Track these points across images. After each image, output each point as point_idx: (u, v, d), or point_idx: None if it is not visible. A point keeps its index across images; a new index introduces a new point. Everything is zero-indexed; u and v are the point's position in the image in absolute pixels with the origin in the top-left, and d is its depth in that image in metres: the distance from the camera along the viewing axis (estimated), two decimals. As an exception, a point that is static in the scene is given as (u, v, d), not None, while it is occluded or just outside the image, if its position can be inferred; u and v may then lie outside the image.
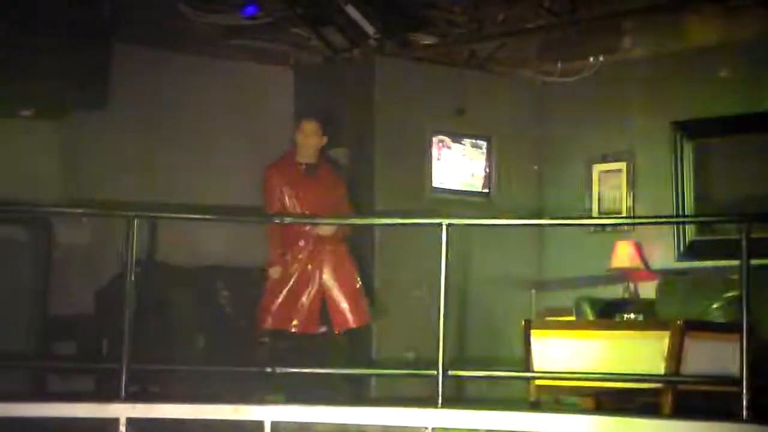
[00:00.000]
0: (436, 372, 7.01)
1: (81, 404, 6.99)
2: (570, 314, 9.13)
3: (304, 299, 8.39)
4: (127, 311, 7.14)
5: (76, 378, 9.09)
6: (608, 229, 10.37)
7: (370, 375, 9.71)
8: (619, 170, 10.50)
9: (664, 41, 9.99)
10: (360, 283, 8.60)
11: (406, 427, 6.84)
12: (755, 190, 9.57)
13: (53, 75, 9.01)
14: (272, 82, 10.90)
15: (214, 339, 9.43)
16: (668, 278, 9.31)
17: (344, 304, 8.45)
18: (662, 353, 7.37)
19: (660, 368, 7.35)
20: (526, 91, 10.98)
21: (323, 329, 8.46)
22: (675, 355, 7.34)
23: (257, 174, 8.79)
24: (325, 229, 8.45)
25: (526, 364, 7.97)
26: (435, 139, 10.65)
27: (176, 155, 10.29)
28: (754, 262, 6.57)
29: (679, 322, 7.47)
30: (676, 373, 7.31)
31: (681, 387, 7.30)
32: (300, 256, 8.45)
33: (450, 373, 7.09)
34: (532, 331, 8.00)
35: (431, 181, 10.57)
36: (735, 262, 6.69)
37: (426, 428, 6.76)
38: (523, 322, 8.18)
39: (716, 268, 9.09)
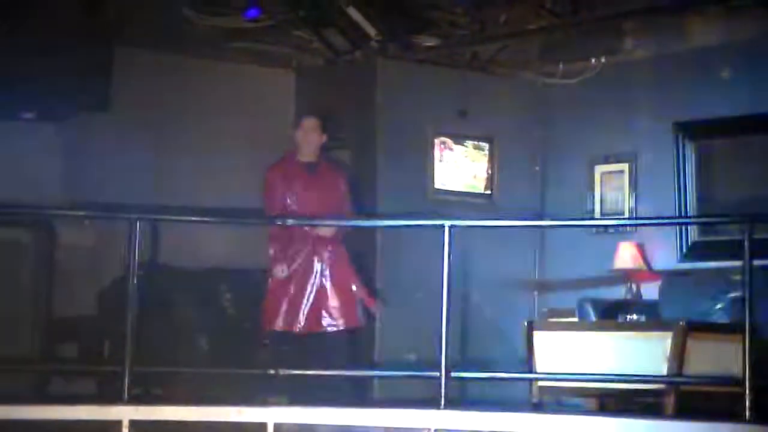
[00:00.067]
0: (438, 373, 7.01)
1: (83, 407, 6.99)
2: (572, 315, 9.12)
3: (305, 299, 8.38)
4: (130, 313, 7.14)
5: (78, 380, 9.09)
6: (611, 230, 10.36)
7: (373, 376, 9.70)
8: (622, 171, 10.50)
9: (665, 42, 9.99)
10: (356, 286, 8.55)
11: (409, 428, 6.84)
12: (758, 191, 9.57)
13: (55, 77, 9.02)
14: (274, 84, 10.90)
15: (217, 341, 9.43)
16: (671, 279, 9.30)
17: (335, 305, 8.42)
18: (665, 354, 7.36)
19: (663, 369, 7.35)
20: (528, 92, 10.98)
21: (326, 328, 8.43)
22: (678, 355, 7.33)
23: (259, 176, 8.78)
24: (325, 230, 8.45)
25: (528, 365, 7.97)
26: (437, 141, 10.65)
27: (178, 157, 10.30)
28: (756, 262, 6.56)
29: (681, 323, 7.47)
30: (679, 373, 7.30)
31: (684, 388, 7.30)
32: (299, 256, 8.43)
33: (453, 374, 7.09)
34: (535, 333, 8.00)
35: (433, 183, 10.57)
36: (737, 263, 6.69)
37: (428, 430, 6.76)
38: (526, 324, 8.19)
39: (719, 269, 9.07)
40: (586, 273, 10.18)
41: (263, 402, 7.34)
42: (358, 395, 8.88)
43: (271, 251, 8.48)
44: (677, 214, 9.98)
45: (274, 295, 8.41)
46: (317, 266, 8.44)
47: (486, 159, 10.87)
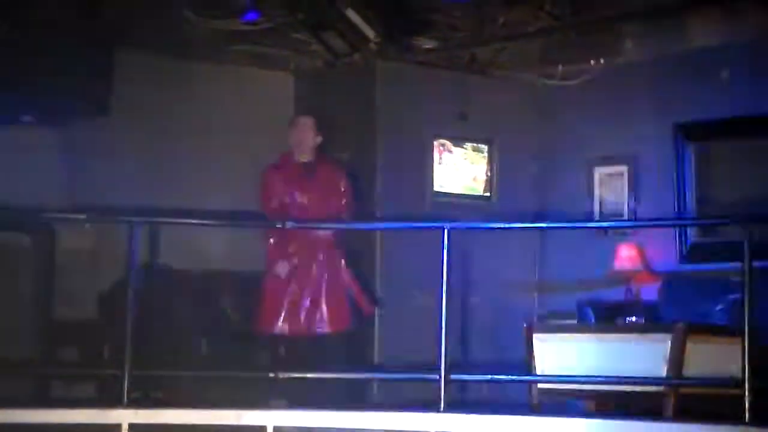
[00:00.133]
0: (438, 376, 7.00)
1: (83, 410, 6.98)
2: (572, 317, 9.13)
3: (302, 301, 8.36)
4: (130, 317, 7.14)
5: (78, 384, 9.10)
6: (610, 232, 10.35)
7: (372, 379, 9.70)
8: (621, 173, 10.51)
9: (665, 43, 9.99)
10: (352, 288, 8.53)
11: (409, 431, 6.84)
12: (757, 193, 9.57)
13: (55, 81, 9.02)
14: (273, 87, 10.91)
15: (217, 344, 9.43)
16: (670, 281, 9.31)
17: (330, 307, 8.41)
18: (664, 356, 7.36)
19: (662, 371, 7.35)
20: (528, 94, 10.98)
21: (320, 331, 8.41)
22: (677, 357, 7.33)
23: (258, 179, 8.79)
24: (322, 231, 8.42)
25: (528, 367, 7.97)
26: (436, 143, 10.65)
27: (178, 160, 10.30)
28: (756, 264, 6.56)
29: (681, 325, 7.46)
30: (679, 375, 7.30)
31: (683, 390, 7.29)
32: (296, 257, 8.42)
33: (452, 377, 7.09)
34: (534, 335, 8.00)
35: (433, 185, 10.57)
36: (737, 265, 6.68)
37: (428, 432, 6.77)
38: (525, 326, 8.18)
39: (718, 271, 9.07)
40: (586, 275, 10.18)
41: (263, 405, 7.34)
42: (357, 398, 8.88)
43: (268, 251, 8.47)
44: (677, 216, 9.98)
45: (270, 297, 8.40)
46: (313, 268, 8.42)
47: (485, 161, 10.88)
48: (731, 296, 8.29)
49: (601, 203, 10.60)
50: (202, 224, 9.14)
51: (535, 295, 10.68)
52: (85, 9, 9.11)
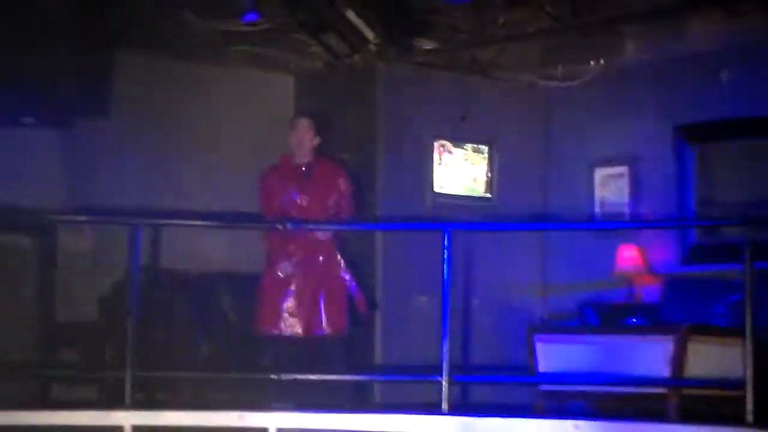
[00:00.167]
0: (440, 378, 7.00)
1: (85, 412, 7.00)
2: (574, 319, 9.12)
3: (299, 303, 8.35)
4: (131, 318, 7.14)
5: (80, 386, 9.10)
6: (611, 233, 10.35)
7: (375, 381, 9.70)
8: (622, 174, 10.51)
9: (666, 45, 9.98)
10: (350, 290, 8.52)
11: (411, 433, 6.85)
12: (758, 193, 9.57)
13: (56, 82, 9.02)
14: (274, 88, 10.90)
15: (219, 345, 9.43)
16: (672, 282, 9.31)
17: (324, 308, 8.39)
18: (666, 357, 7.37)
19: (664, 372, 7.35)
20: (528, 95, 10.98)
21: (318, 332, 8.40)
22: (679, 359, 7.34)
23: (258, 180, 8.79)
24: (320, 233, 8.41)
25: (530, 369, 7.97)
26: (437, 144, 10.65)
27: (179, 161, 10.30)
28: (757, 265, 6.57)
29: (683, 326, 7.47)
30: (681, 377, 7.31)
31: (685, 391, 7.30)
32: (295, 258, 8.41)
33: (455, 378, 7.09)
34: (536, 336, 8.00)
35: (433, 186, 10.57)
36: (738, 266, 6.69)
37: (430, 434, 6.77)
38: (528, 327, 8.18)
39: (720, 272, 9.07)
40: (588, 276, 10.17)
41: (265, 406, 7.34)
42: (359, 400, 8.88)
43: (267, 251, 8.47)
44: (678, 217, 9.99)
45: (269, 298, 8.40)
46: (312, 268, 8.41)
47: (486, 162, 10.87)
48: (733, 297, 8.28)
49: (602, 204, 10.60)
50: (203, 225, 9.14)
51: (537, 296, 10.67)
52: (86, 11, 9.11)
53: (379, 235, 10.18)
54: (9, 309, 9.08)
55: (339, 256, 8.50)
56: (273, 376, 7.66)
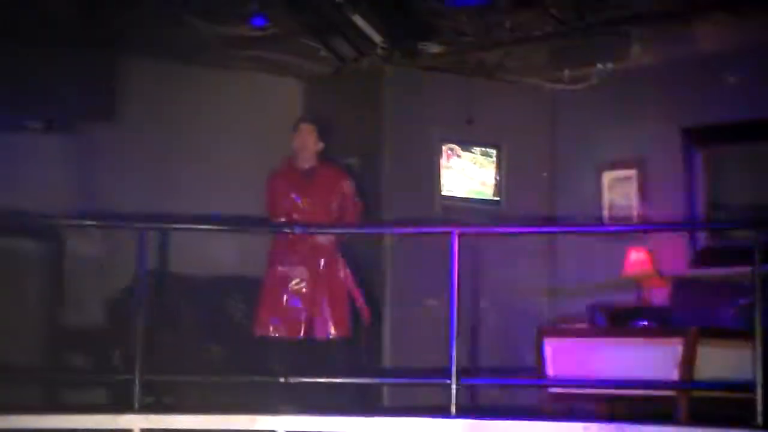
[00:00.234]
0: (449, 380, 7.00)
1: (94, 416, 6.99)
2: (583, 321, 9.12)
3: (303, 305, 8.34)
4: (140, 322, 7.14)
5: (89, 389, 9.10)
6: (620, 236, 10.32)
7: (383, 384, 9.70)
8: (630, 177, 10.50)
9: (673, 47, 9.98)
10: (352, 294, 8.50)
11: (420, 436, 6.85)
12: (766, 196, 9.55)
13: (64, 88, 9.04)
14: (281, 92, 10.91)
15: (227, 348, 9.43)
16: (680, 285, 9.30)
17: (325, 312, 8.37)
18: (675, 360, 7.36)
19: (673, 375, 7.34)
20: (535, 98, 10.98)
21: (319, 336, 8.39)
22: (688, 361, 7.33)
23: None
24: (322, 237, 8.41)
25: (539, 371, 7.96)
26: (444, 148, 10.65)
27: (185, 166, 10.31)
28: (766, 267, 6.55)
29: (692, 329, 7.46)
30: (690, 379, 7.30)
31: (695, 394, 7.29)
32: (296, 261, 8.40)
33: (463, 381, 7.08)
34: (545, 339, 8.00)
35: (441, 190, 10.57)
36: (747, 268, 6.68)
37: (439, 437, 6.76)
38: (536, 330, 8.17)
39: (729, 275, 9.06)
40: (596, 279, 10.16)
41: (274, 410, 7.33)
42: (368, 403, 8.88)
43: (268, 253, 8.48)
44: (686, 220, 9.97)
45: (268, 300, 8.40)
46: (314, 272, 8.39)
47: (494, 165, 10.87)
48: (742, 300, 8.27)
49: (610, 207, 10.59)
50: (211, 229, 9.13)
51: (546, 299, 10.67)
52: (92, 15, 9.12)
53: (388, 239, 10.18)
54: (17, 313, 9.09)
55: (341, 260, 8.49)
56: (281, 379, 7.65)
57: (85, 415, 6.97)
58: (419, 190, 10.43)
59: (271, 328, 8.33)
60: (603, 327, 8.77)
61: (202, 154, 10.38)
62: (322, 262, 8.40)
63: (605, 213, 10.60)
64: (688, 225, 10.05)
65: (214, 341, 9.49)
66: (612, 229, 10.59)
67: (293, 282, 8.35)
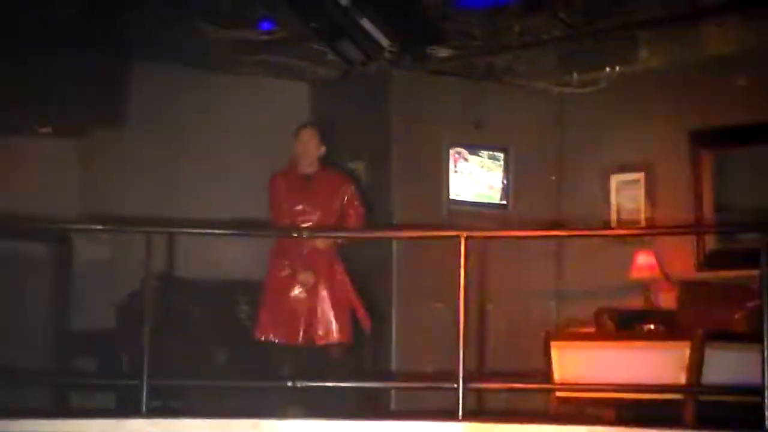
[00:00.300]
0: (456, 385, 6.99)
1: (101, 420, 7.00)
2: (590, 325, 9.10)
3: (302, 310, 8.33)
4: (147, 326, 7.15)
5: (97, 394, 9.11)
6: (627, 239, 10.30)
7: (390, 388, 9.69)
8: (638, 180, 10.48)
9: (681, 51, 9.96)
10: (351, 300, 8.50)
11: (427, 440, 6.84)
12: (775, 199, 9.55)
13: (71, 92, 9.05)
14: (289, 96, 10.91)
15: (234, 353, 9.43)
16: (688, 288, 9.28)
17: (323, 318, 8.36)
18: (683, 364, 7.35)
19: (681, 379, 7.34)
20: (544, 102, 10.97)
21: (322, 340, 8.38)
22: (696, 365, 7.32)
23: (272, 188, 8.80)
24: (320, 242, 8.40)
25: (546, 375, 7.95)
26: (452, 152, 10.65)
27: (194, 170, 10.32)
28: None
29: (699, 333, 7.45)
30: (697, 383, 7.29)
31: (702, 397, 7.28)
32: (295, 266, 8.39)
33: (470, 385, 7.08)
34: (553, 343, 7.99)
35: (448, 194, 10.56)
36: (755, 272, 6.67)
37: (446, 441, 6.76)
38: (543, 334, 8.16)
39: (736, 278, 9.04)
40: (604, 283, 10.14)
41: (281, 414, 7.33)
42: (375, 407, 8.88)
43: (269, 258, 8.48)
44: (694, 223, 9.96)
45: (268, 304, 8.41)
46: (312, 279, 8.38)
47: (501, 169, 10.86)
48: (749, 303, 8.25)
49: (618, 210, 10.58)
50: (219, 234, 9.14)
51: (553, 303, 10.65)
52: (101, 20, 9.14)
53: (395, 243, 10.17)
54: (24, 317, 9.11)
55: (340, 266, 8.48)
56: (288, 384, 7.65)
57: (92, 420, 6.98)
58: (427, 194, 10.43)
59: (271, 333, 8.34)
60: (610, 331, 8.74)
61: (208, 157, 10.39)
62: (321, 267, 8.38)
63: (613, 216, 10.58)
64: (695, 228, 10.03)
65: (221, 345, 9.49)
66: (619, 232, 10.56)
67: (292, 287, 8.34)
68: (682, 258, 10.00)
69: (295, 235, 8.36)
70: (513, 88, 10.84)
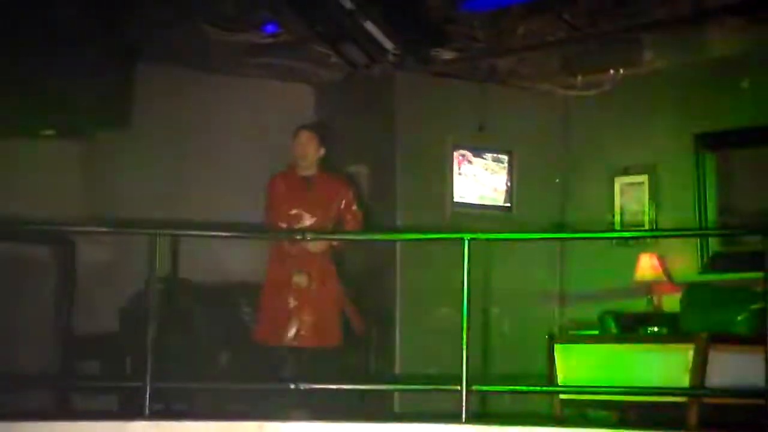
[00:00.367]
0: (459, 387, 6.99)
1: (105, 422, 7.00)
2: (594, 328, 9.10)
3: (296, 313, 8.33)
4: (150, 328, 7.15)
5: (100, 396, 9.11)
6: (631, 242, 10.30)
7: (394, 390, 9.69)
8: (642, 183, 10.48)
9: (685, 53, 9.96)
10: (343, 303, 8.49)
11: (431, 442, 6.84)
12: (778, 202, 9.54)
13: (76, 94, 9.05)
14: (292, 99, 10.91)
15: (237, 355, 9.43)
16: (692, 290, 9.27)
17: (319, 321, 8.34)
18: (686, 366, 7.34)
19: (684, 381, 7.32)
20: (548, 104, 10.96)
21: (312, 343, 8.37)
22: (699, 368, 7.31)
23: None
24: (315, 246, 8.39)
25: (550, 378, 7.94)
26: (456, 154, 10.64)
27: (198, 173, 10.32)
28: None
29: (703, 335, 7.44)
30: (701, 386, 7.27)
31: (706, 400, 7.26)
32: (292, 269, 8.39)
33: (474, 388, 7.07)
34: (556, 345, 7.98)
35: (452, 196, 10.56)
36: (759, 274, 6.66)
37: (450, 444, 6.75)
38: (547, 337, 8.15)
39: (740, 280, 9.03)
40: (607, 285, 10.15)
41: (284, 417, 7.33)
42: (379, 409, 8.87)
43: (268, 262, 8.48)
44: (698, 226, 9.95)
45: (266, 308, 8.40)
46: (305, 281, 8.37)
47: (505, 171, 10.85)
48: (753, 306, 8.24)
49: (621, 213, 10.57)
50: (222, 236, 9.14)
51: (557, 305, 10.65)
52: (105, 22, 9.14)
53: (399, 245, 10.17)
54: (28, 320, 9.11)
55: (333, 270, 8.47)
56: (291, 386, 7.64)
57: (95, 422, 6.98)
58: (431, 197, 10.42)
59: (267, 336, 8.35)
60: (614, 333, 8.74)
61: (213, 160, 10.40)
62: (315, 270, 8.38)
63: (617, 218, 10.57)
64: (699, 230, 10.02)
65: (224, 348, 9.49)
66: (623, 235, 10.55)
67: (286, 289, 8.34)
68: (686, 260, 10.00)
69: (299, 237, 8.34)
70: (517, 90, 10.84)
